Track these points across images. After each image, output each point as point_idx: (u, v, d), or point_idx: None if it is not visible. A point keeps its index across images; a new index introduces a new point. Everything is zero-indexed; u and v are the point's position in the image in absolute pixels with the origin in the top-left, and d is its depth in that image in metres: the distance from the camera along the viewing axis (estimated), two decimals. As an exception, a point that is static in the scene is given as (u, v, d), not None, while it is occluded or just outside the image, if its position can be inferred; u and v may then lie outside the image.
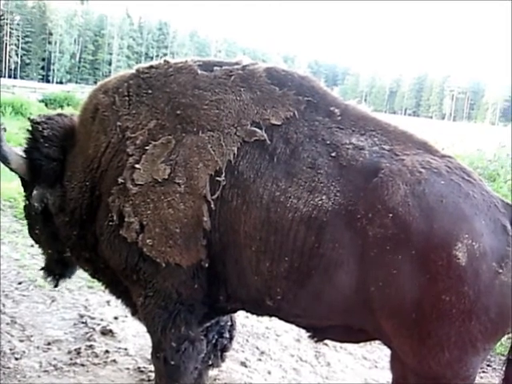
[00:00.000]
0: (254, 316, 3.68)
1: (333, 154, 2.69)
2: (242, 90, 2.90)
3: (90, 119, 3.15)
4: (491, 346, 2.54)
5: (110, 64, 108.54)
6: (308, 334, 3.02)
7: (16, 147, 3.38)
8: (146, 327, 3.15)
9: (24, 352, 4.19)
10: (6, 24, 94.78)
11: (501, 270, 2.37)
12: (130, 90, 3.06)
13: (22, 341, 4.37)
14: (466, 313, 2.35)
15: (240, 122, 2.83)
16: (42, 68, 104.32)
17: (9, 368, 3.95)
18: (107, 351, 4.31)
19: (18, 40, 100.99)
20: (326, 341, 3.22)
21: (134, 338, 4.61)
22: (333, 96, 2.97)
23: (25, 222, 3.61)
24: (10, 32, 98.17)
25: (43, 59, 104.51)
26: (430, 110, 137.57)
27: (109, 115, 3.06)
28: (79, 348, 4.29)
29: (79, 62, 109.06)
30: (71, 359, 4.16)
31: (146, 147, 2.89)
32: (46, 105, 25.78)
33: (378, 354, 4.93)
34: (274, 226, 2.65)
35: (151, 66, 3.13)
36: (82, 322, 4.81)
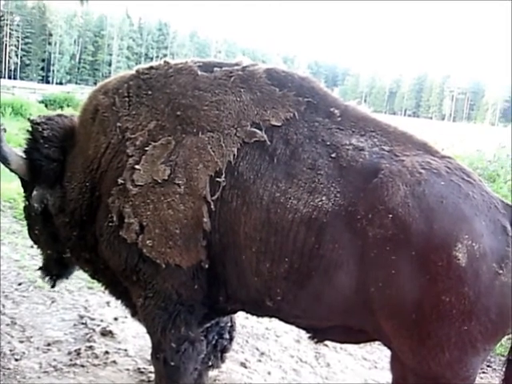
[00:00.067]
0: (254, 317, 3.69)
1: (333, 155, 2.70)
2: (242, 90, 2.90)
3: (89, 120, 3.15)
4: (491, 346, 2.54)
5: (109, 65, 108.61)
6: (308, 334, 3.03)
7: (16, 148, 3.37)
8: (146, 328, 3.15)
9: (24, 353, 4.18)
10: (6, 25, 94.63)
11: (501, 271, 2.37)
12: (129, 91, 3.07)
13: (21, 342, 4.36)
14: (466, 313, 2.35)
15: (240, 123, 2.83)
16: (42, 69, 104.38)
17: (9, 369, 3.94)
18: (107, 352, 4.31)
19: (18, 41, 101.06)
20: (326, 342, 3.22)
21: (134, 338, 4.61)
22: (333, 97, 2.98)
23: (25, 222, 3.61)
24: (10, 33, 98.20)
25: (43, 60, 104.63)
26: (429, 110, 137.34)
27: (109, 116, 3.06)
28: (79, 349, 4.29)
29: (79, 62, 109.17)
30: (71, 360, 4.16)
31: (146, 148, 2.89)
32: (46, 106, 25.78)
33: (377, 354, 4.93)
34: (274, 227, 2.65)
35: (151, 67, 3.13)
36: (82, 323, 4.81)
